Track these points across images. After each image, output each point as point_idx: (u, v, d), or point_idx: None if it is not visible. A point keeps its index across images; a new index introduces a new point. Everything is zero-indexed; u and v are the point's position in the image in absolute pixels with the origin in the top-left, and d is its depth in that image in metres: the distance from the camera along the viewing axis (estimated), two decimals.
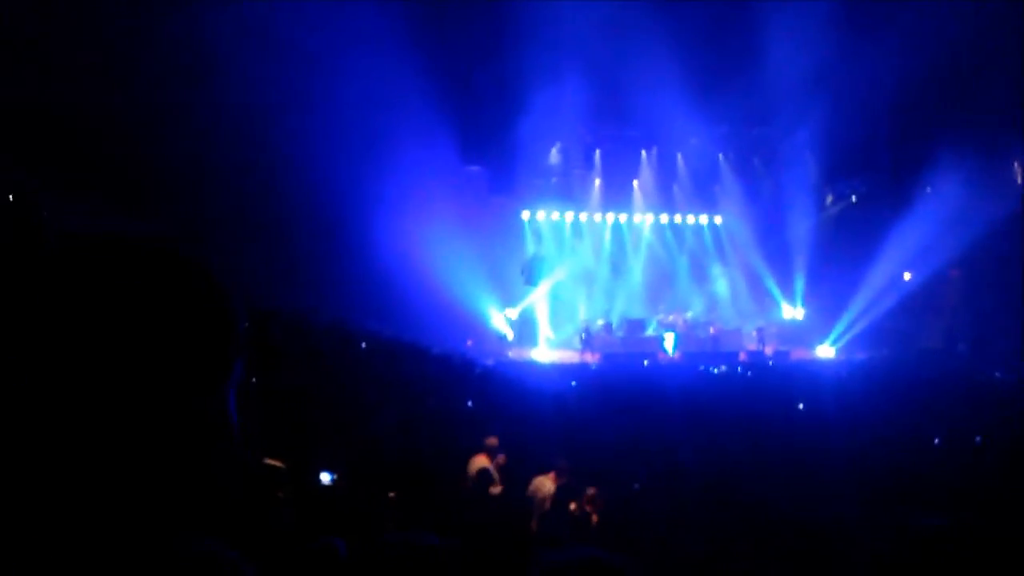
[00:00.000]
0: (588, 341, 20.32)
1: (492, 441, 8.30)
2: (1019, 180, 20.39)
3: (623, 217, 23.71)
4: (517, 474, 8.18)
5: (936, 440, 9.66)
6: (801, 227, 22.72)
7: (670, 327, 21.41)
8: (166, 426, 1.00)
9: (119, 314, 0.98)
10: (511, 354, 19.07)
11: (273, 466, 4.17)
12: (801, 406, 11.68)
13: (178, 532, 1.02)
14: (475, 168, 20.01)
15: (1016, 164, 20.28)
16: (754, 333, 21.72)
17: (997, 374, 15.49)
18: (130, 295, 0.99)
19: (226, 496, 1.10)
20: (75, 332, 0.96)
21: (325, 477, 5.61)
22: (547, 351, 20.26)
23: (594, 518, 7.41)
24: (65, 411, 0.96)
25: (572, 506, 7.43)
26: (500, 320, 20.52)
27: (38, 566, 0.94)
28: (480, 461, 8.07)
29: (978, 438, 9.49)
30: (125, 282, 1.00)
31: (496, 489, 7.91)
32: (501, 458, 8.31)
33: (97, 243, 1.04)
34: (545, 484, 7.86)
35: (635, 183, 23.71)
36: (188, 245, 1.11)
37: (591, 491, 7.63)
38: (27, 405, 0.96)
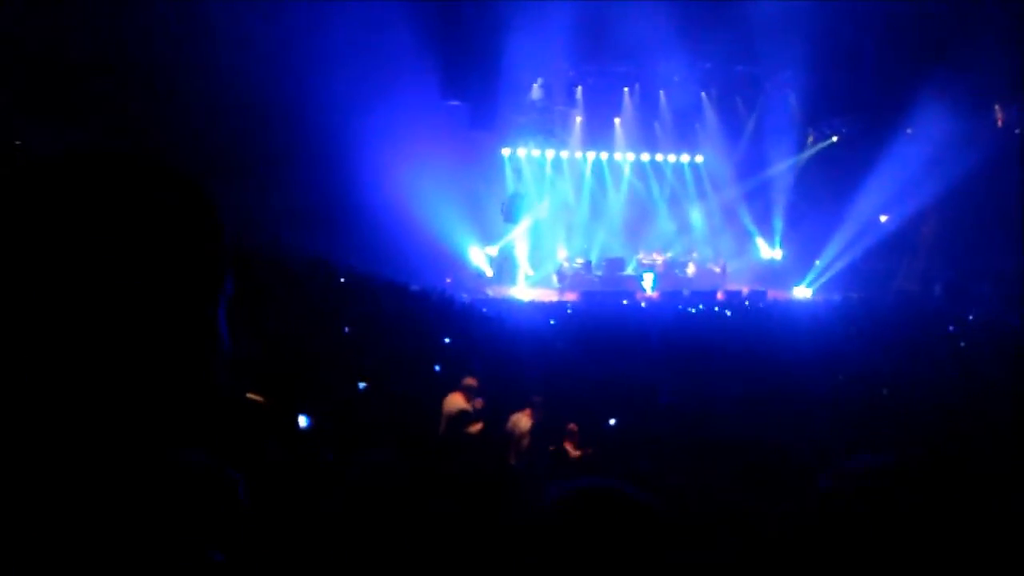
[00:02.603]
0: (566, 279, 20.37)
1: (470, 381, 8.21)
2: (999, 124, 20.44)
3: (604, 155, 23.60)
4: (495, 411, 8.22)
5: (906, 378, 9.79)
6: (781, 167, 22.76)
7: (649, 266, 21.49)
8: (156, 339, 0.98)
9: (102, 228, 0.96)
10: (490, 292, 19.09)
11: (254, 400, 4.16)
12: (776, 344, 11.79)
13: (170, 444, 1.01)
14: (456, 103, 19.78)
15: (997, 108, 20.32)
16: (717, 269, 21.91)
17: (970, 316, 15.68)
18: (113, 207, 0.97)
19: (216, 410, 1.09)
20: (56, 247, 0.94)
21: (302, 420, 5.60)
22: (526, 289, 20.29)
23: (574, 453, 7.50)
24: (52, 327, 0.94)
25: (551, 447, 7.51)
26: (479, 257, 20.51)
27: (30, 478, 0.93)
28: (456, 400, 8.04)
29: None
30: (107, 194, 0.98)
31: (476, 427, 7.94)
32: (478, 402, 8.20)
33: (74, 158, 1.01)
34: (522, 420, 7.92)
35: (617, 120, 23.55)
36: (167, 158, 1.08)
37: (571, 426, 7.70)
38: (11, 322, 0.94)
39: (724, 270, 22.25)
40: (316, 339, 9.66)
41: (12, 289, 0.93)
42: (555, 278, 20.82)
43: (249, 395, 4.17)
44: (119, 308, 0.95)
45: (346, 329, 10.62)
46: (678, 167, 24.09)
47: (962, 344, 12.65)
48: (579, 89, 22.90)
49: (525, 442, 7.82)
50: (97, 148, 1.04)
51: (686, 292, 20.15)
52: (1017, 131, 19.89)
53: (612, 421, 8.24)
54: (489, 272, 20.53)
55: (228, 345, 1.09)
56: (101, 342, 0.94)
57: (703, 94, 23.38)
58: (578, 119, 23.17)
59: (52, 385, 0.94)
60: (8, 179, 0.97)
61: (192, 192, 1.04)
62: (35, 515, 0.91)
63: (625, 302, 18.65)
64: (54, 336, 0.93)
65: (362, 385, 8.31)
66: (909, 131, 20.00)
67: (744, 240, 23.40)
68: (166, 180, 1.03)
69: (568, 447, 7.54)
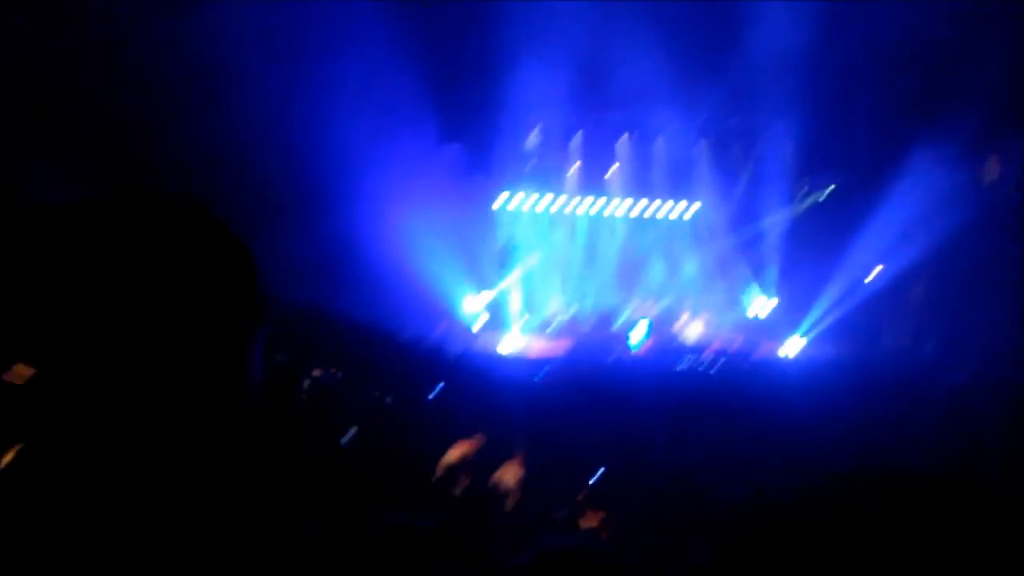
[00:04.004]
0: (558, 329, 20.36)
1: (473, 440, 8.19)
2: (990, 178, 20.58)
3: (599, 202, 23.67)
4: (483, 464, 8.17)
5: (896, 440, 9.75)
6: (776, 218, 22.84)
7: (641, 319, 21.46)
8: (194, 379, 0.98)
9: (139, 272, 0.95)
10: (480, 341, 19.04)
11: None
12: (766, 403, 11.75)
13: (201, 489, 1.00)
14: (453, 148, 19.89)
15: (990, 161, 20.47)
16: (708, 322, 21.91)
17: (962, 372, 15.65)
18: (150, 251, 0.96)
19: (244, 454, 1.08)
20: (93, 295, 0.93)
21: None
22: (519, 337, 20.25)
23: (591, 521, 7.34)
24: (94, 369, 0.93)
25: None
26: (473, 305, 20.50)
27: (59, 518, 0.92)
28: (452, 456, 8.00)
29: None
30: (143, 239, 0.97)
31: (463, 483, 7.89)
32: (477, 440, 8.15)
33: (101, 203, 1.00)
34: (509, 473, 7.86)
35: (612, 168, 23.66)
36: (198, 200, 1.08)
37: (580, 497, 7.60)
38: (48, 374, 0.93)
39: (713, 324, 22.21)
40: (307, 388, 9.64)
41: (58, 331, 0.92)
42: (548, 327, 20.78)
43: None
44: (155, 350, 0.94)
45: (339, 374, 10.60)
46: (673, 216, 24.16)
47: (953, 399, 12.61)
48: (576, 136, 23.03)
49: (511, 497, 7.75)
50: (134, 189, 1.03)
51: (678, 343, 20.11)
52: (1008, 187, 20.03)
53: (595, 476, 8.19)
54: (482, 320, 20.50)
55: (259, 386, 1.08)
56: (145, 387, 0.94)
57: (699, 144, 23.52)
58: (574, 166, 23.27)
59: (92, 422, 0.93)
60: (45, 224, 0.96)
61: (228, 237, 1.04)
62: (80, 546, 0.90)
63: (617, 353, 18.61)
64: (96, 378, 0.92)
65: (351, 432, 8.29)
66: (903, 184, 20.14)
67: (738, 290, 23.39)
68: (210, 225, 1.02)
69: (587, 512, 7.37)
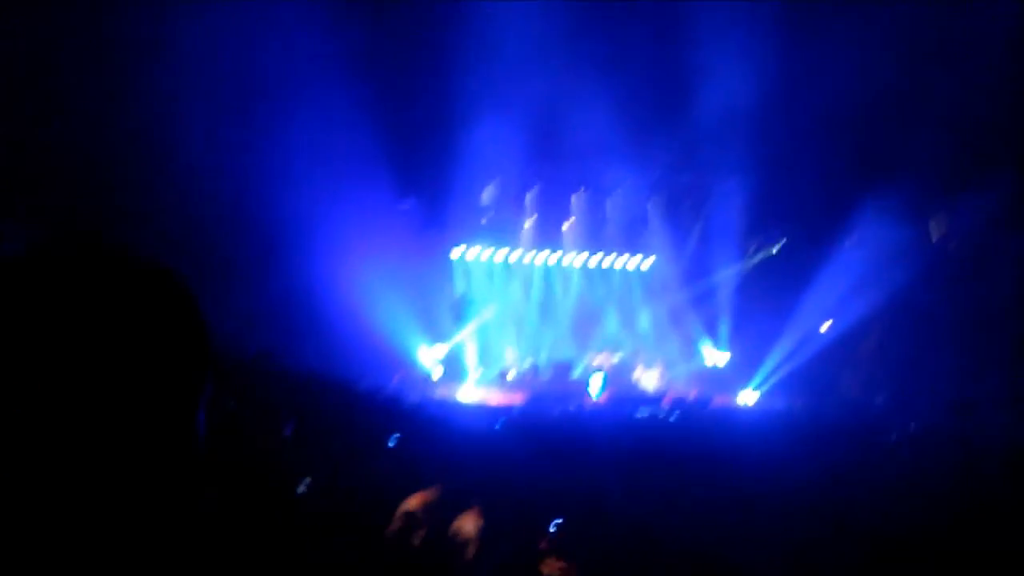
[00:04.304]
0: (513, 381, 20.34)
1: (429, 493, 8.12)
2: (934, 238, 21.09)
3: (553, 257, 23.84)
4: (440, 515, 8.07)
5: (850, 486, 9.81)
6: (727, 273, 23.15)
7: (597, 369, 21.52)
8: (135, 442, 0.95)
9: (88, 326, 0.93)
10: (438, 392, 18.94)
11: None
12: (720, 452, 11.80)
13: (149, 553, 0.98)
14: (407, 205, 19.94)
15: (938, 220, 20.98)
16: (662, 374, 22.04)
17: (912, 424, 15.85)
18: (100, 305, 0.94)
19: (194, 514, 1.05)
20: (32, 348, 0.91)
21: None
22: (474, 390, 20.18)
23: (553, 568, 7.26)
24: (28, 429, 0.91)
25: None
26: (428, 357, 20.42)
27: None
28: (410, 505, 7.91)
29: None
30: (95, 291, 0.95)
31: (419, 534, 7.78)
32: (431, 493, 8.09)
33: (59, 252, 0.98)
34: (466, 524, 7.77)
35: (566, 224, 23.87)
36: (146, 254, 1.05)
37: (543, 545, 7.51)
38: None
39: (669, 375, 22.36)
40: (261, 439, 9.48)
41: None
42: (503, 380, 20.76)
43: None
44: (101, 406, 0.92)
45: (288, 429, 10.45)
46: (625, 271, 24.38)
47: (904, 453, 12.77)
48: (530, 193, 23.22)
49: (470, 548, 7.65)
50: (73, 241, 1.00)
51: (636, 393, 20.20)
52: (952, 244, 20.54)
53: (554, 525, 8.11)
54: (437, 372, 20.41)
55: (202, 442, 1.06)
56: (80, 444, 0.92)
57: (650, 201, 23.84)
58: (528, 221, 23.43)
59: (27, 475, 0.91)
60: None
61: (175, 288, 1.02)
62: None
63: (572, 406, 18.59)
64: (30, 438, 0.90)
65: (304, 483, 8.16)
66: (850, 240, 20.54)
67: (691, 344, 23.57)
68: (150, 276, 1.00)
69: (548, 560, 7.29)
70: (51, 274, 0.94)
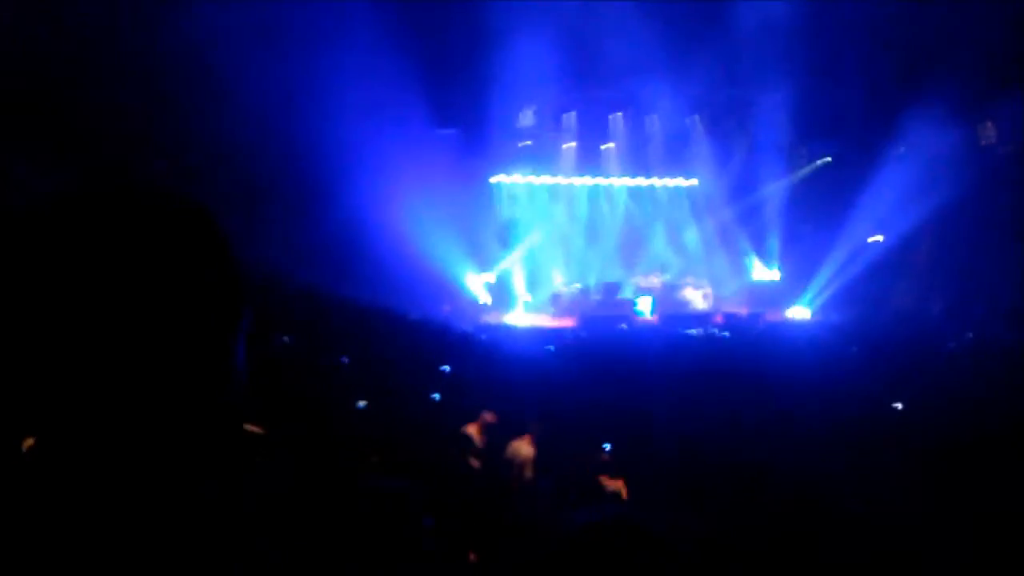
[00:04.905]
0: (563, 304, 20.39)
1: (488, 417, 8.23)
2: (988, 142, 20.57)
3: (597, 181, 23.68)
4: (496, 440, 8.18)
5: (899, 405, 9.75)
6: (775, 188, 22.86)
7: (646, 290, 21.49)
8: (175, 372, 0.97)
9: (121, 267, 0.95)
10: (488, 319, 19.06)
11: (253, 431, 4.12)
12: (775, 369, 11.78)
13: (187, 477, 1.00)
14: (448, 131, 19.86)
15: (986, 126, 20.46)
16: (710, 292, 21.98)
17: (969, 334, 15.67)
18: (126, 246, 0.96)
19: (231, 445, 1.08)
20: (74, 289, 0.93)
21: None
22: (524, 315, 20.28)
23: (612, 484, 7.35)
24: (71, 365, 0.93)
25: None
26: (476, 284, 20.51)
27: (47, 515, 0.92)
28: (468, 430, 8.04)
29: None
30: (125, 233, 0.97)
31: (477, 458, 7.89)
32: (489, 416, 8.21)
33: (90, 195, 1.00)
34: (522, 448, 7.87)
35: (609, 146, 23.65)
36: (183, 194, 1.07)
37: (604, 457, 7.61)
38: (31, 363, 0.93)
39: (718, 293, 22.30)
40: (315, 369, 9.64)
41: (31, 332, 0.92)
42: (552, 304, 20.82)
43: (247, 426, 4.13)
44: (139, 344, 0.94)
45: (345, 359, 10.60)
46: (672, 191, 24.17)
47: (962, 360, 12.65)
48: (570, 116, 23.00)
49: (527, 470, 7.76)
50: (106, 186, 1.03)
51: (687, 311, 20.23)
52: (1006, 147, 20.02)
53: (607, 446, 8.19)
54: (486, 299, 20.52)
55: (244, 375, 1.08)
56: (121, 376, 0.94)
57: (694, 118, 23.49)
58: (570, 145, 23.25)
59: (72, 415, 0.93)
60: (12, 226, 0.96)
61: (205, 225, 1.04)
62: (52, 539, 0.90)
63: (623, 326, 18.62)
64: (74, 373, 0.92)
65: (361, 404, 8.31)
66: (901, 150, 20.12)
67: (740, 262, 23.41)
68: (179, 215, 1.02)
69: (604, 479, 7.40)
70: (81, 217, 0.97)
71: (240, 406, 1.08)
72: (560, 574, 1.35)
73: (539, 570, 1.40)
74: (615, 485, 7.29)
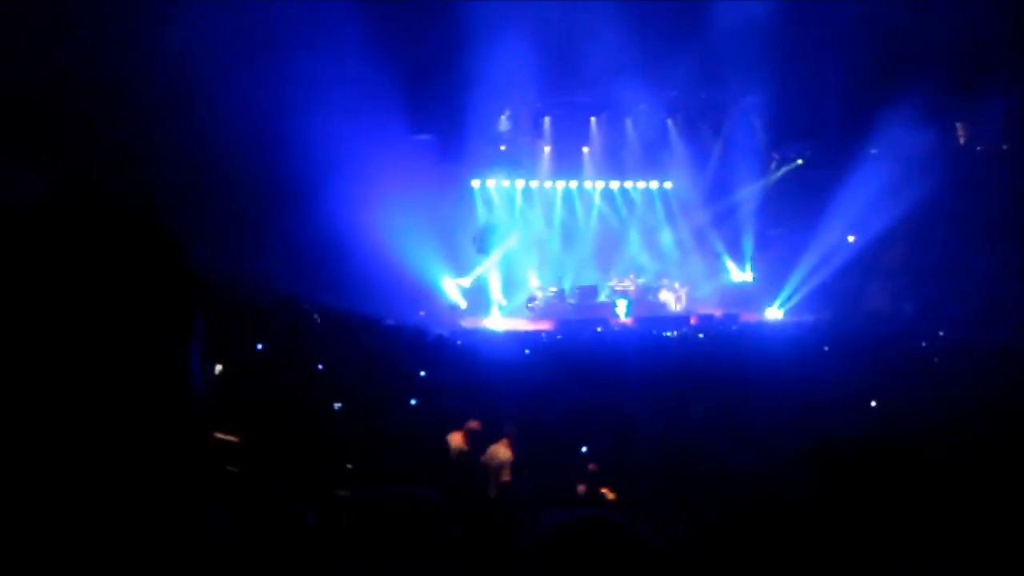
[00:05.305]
0: (539, 308, 20.42)
1: (473, 425, 8.18)
2: (960, 142, 20.78)
3: (573, 184, 23.69)
4: (475, 443, 8.16)
5: (873, 403, 9.81)
6: (749, 191, 22.97)
7: (622, 293, 21.54)
8: (129, 381, 0.98)
9: (77, 276, 0.96)
10: (464, 323, 19.05)
11: (226, 440, 4.09)
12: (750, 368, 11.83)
13: (147, 489, 1.00)
14: (425, 136, 19.83)
15: (958, 126, 20.66)
16: (684, 293, 22.05)
17: (941, 333, 15.81)
18: (87, 256, 0.97)
19: (187, 452, 1.08)
20: (32, 296, 0.94)
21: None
22: (500, 319, 20.27)
23: (610, 496, 7.32)
24: (27, 374, 0.93)
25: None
26: (453, 289, 20.48)
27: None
28: (456, 440, 8.01)
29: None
30: (82, 243, 0.97)
31: (457, 460, 7.87)
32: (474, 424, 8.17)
33: (50, 208, 1.01)
34: (500, 451, 7.85)
35: (585, 149, 23.70)
36: (140, 205, 1.08)
37: (592, 467, 7.59)
38: None
39: (693, 295, 22.38)
40: (290, 377, 9.59)
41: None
42: (529, 307, 20.84)
43: (219, 435, 4.10)
44: (91, 352, 0.95)
45: (319, 366, 10.56)
46: (647, 193, 24.22)
47: (935, 360, 12.76)
48: (546, 120, 23.03)
49: (504, 474, 7.74)
50: (68, 195, 1.04)
51: (663, 313, 20.28)
52: (978, 148, 20.23)
53: (584, 449, 8.21)
54: (462, 304, 20.50)
55: (201, 383, 1.08)
56: (75, 388, 0.94)
57: (669, 121, 23.58)
58: (546, 149, 23.28)
59: (22, 424, 0.93)
60: None
61: (155, 235, 1.04)
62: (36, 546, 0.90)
63: (600, 329, 18.67)
64: (24, 381, 0.92)
65: (337, 406, 8.28)
66: (873, 151, 20.27)
67: (715, 263, 23.50)
68: (131, 226, 1.02)
69: (604, 491, 7.34)
70: (46, 227, 1.00)
71: (201, 414, 1.08)
72: (537, 573, 1.36)
73: (517, 570, 1.41)
74: (594, 487, 7.30)
